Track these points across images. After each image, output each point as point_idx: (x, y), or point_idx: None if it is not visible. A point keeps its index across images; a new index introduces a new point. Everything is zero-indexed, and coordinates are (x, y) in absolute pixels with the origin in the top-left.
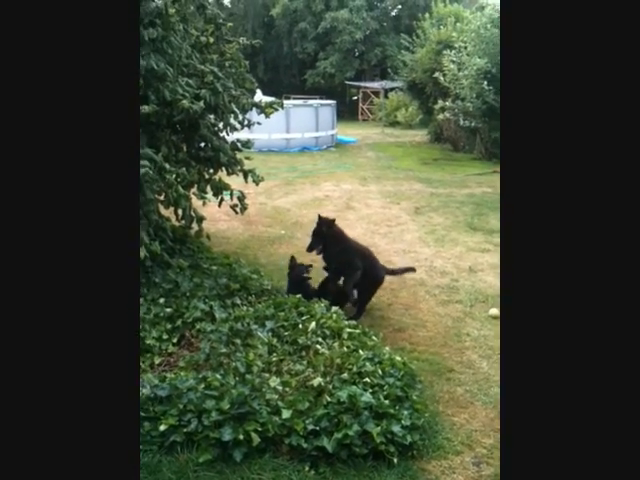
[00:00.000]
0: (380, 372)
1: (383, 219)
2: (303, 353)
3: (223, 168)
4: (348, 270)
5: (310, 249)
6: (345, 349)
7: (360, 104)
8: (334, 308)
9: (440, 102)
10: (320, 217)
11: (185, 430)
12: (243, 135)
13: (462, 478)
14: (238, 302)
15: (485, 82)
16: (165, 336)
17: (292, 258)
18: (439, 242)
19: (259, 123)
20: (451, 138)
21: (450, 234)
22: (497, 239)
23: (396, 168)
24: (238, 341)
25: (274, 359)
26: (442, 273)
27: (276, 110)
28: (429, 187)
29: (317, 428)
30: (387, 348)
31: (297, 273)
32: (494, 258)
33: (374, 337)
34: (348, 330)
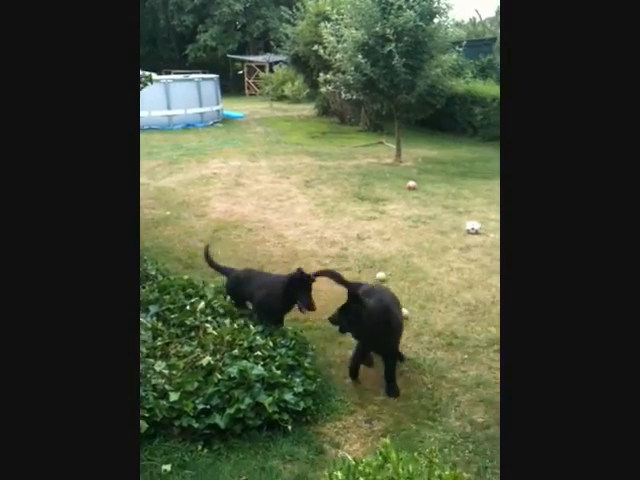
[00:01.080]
0: (271, 344)
1: (273, 194)
2: (192, 334)
3: None
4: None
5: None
6: (236, 326)
7: (246, 78)
8: None
9: (322, 75)
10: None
11: None
12: None
13: (355, 436)
14: None
15: (360, 55)
16: None
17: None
18: (329, 213)
19: None
20: (337, 111)
21: (339, 205)
22: (382, 207)
23: (285, 143)
24: None
25: (159, 343)
26: (332, 243)
27: (145, 85)
28: (318, 160)
29: (208, 406)
30: None
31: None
32: (380, 225)
33: None
34: (240, 309)
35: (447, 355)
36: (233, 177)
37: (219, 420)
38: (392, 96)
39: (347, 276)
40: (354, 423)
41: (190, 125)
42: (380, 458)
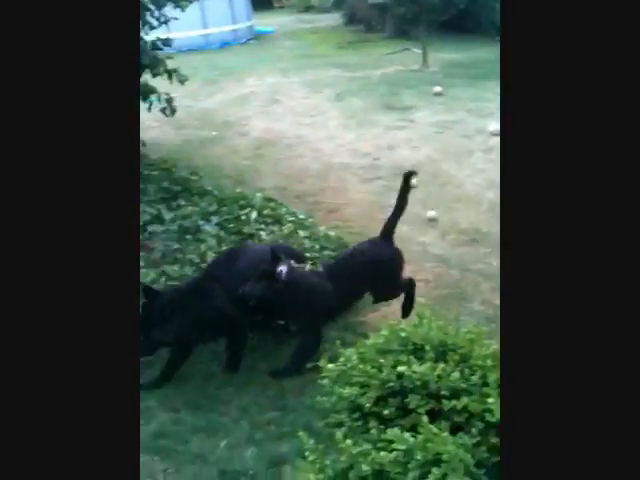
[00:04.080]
0: (317, 247)
1: (307, 109)
2: (249, 241)
3: (147, 70)
4: None
5: None
6: (286, 231)
7: None
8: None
9: None
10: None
11: None
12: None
13: (395, 321)
14: (182, 203)
15: None
16: None
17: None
18: (360, 125)
19: (176, 18)
20: (364, 19)
21: (369, 116)
22: (410, 115)
23: (314, 56)
24: (189, 237)
25: (223, 248)
26: (364, 154)
27: (191, 2)
28: (346, 72)
29: None
30: (322, 227)
31: None
32: (409, 133)
33: (310, 219)
34: (287, 217)
35: (471, 250)
36: (269, 95)
37: None
38: None
39: (380, 185)
40: (392, 312)
41: (225, 44)
42: (417, 320)
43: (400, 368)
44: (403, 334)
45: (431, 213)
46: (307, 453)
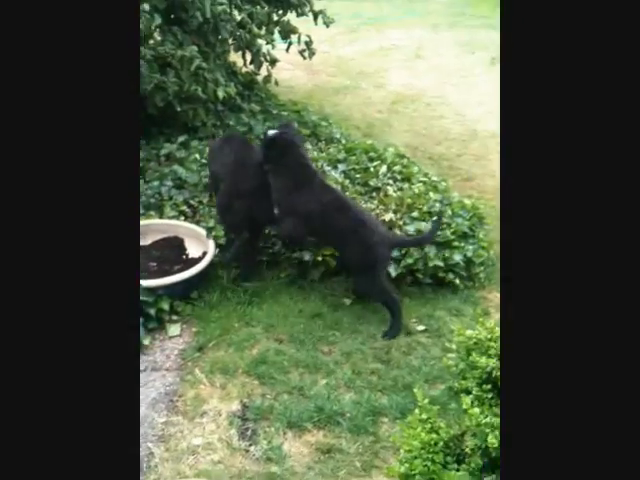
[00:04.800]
0: (450, 212)
1: (455, 69)
2: (374, 194)
3: (292, 10)
4: None
5: None
6: (416, 191)
7: None
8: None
9: None
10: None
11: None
12: None
13: None
14: (309, 147)
15: None
16: None
17: None
18: None
19: None
20: None
21: None
22: None
23: (471, 15)
24: None
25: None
26: None
27: None
28: None
29: None
30: (456, 194)
31: None
32: None
33: (444, 183)
34: (419, 176)
35: None
36: (413, 49)
37: (393, 270)
38: None
39: None
40: None
41: None
42: None
43: None
44: None
45: None
46: (418, 411)
